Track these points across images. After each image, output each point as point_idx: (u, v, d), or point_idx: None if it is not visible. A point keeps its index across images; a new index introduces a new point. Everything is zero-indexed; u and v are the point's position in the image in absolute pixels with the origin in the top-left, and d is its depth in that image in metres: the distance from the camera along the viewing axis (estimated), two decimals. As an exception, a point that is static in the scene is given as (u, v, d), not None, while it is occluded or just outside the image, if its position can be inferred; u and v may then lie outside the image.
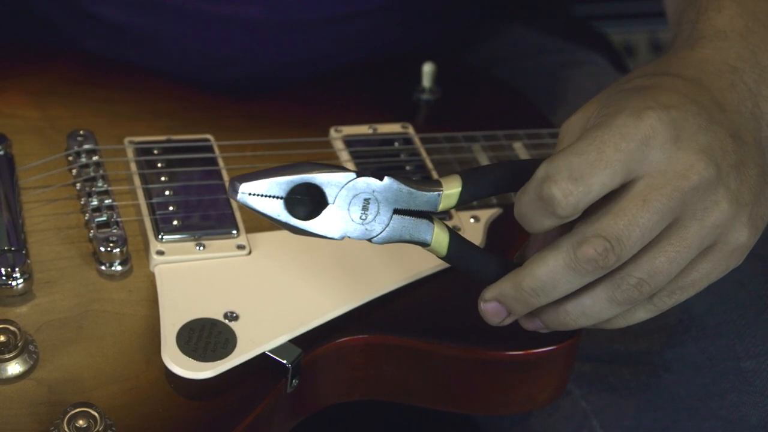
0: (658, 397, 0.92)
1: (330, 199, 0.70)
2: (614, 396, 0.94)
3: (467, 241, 0.74)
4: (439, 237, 0.72)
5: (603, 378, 0.95)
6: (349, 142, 0.94)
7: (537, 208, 0.68)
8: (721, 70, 0.75)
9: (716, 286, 0.92)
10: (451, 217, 0.89)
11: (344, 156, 0.93)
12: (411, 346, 0.82)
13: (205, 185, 0.88)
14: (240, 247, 0.84)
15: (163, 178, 0.88)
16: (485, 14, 1.23)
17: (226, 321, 0.79)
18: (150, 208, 0.85)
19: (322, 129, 0.96)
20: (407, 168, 0.93)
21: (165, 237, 0.83)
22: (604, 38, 1.38)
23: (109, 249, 0.82)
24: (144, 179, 0.88)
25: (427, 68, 1.01)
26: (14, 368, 0.75)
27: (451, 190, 0.72)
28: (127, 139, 0.91)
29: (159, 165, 0.89)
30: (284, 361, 0.78)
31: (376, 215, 0.71)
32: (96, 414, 0.72)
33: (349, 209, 0.70)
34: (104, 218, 0.84)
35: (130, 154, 0.90)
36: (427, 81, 1.01)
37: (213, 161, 0.90)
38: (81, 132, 0.90)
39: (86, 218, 0.85)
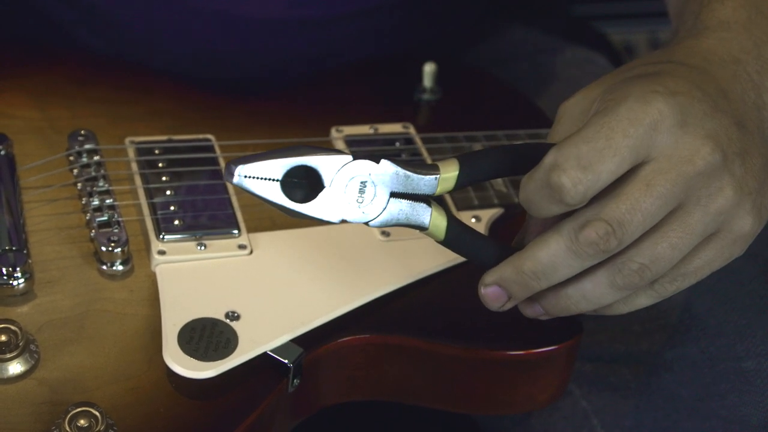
0: (658, 397, 0.92)
1: (326, 182, 0.70)
2: (615, 396, 0.94)
3: (465, 225, 0.73)
4: (437, 220, 0.72)
5: (603, 378, 0.95)
6: (350, 142, 0.94)
7: (545, 195, 0.68)
8: (724, 61, 0.75)
9: (717, 286, 0.92)
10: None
11: (345, 156, 0.93)
12: (412, 346, 0.82)
13: (206, 185, 0.88)
14: (241, 246, 0.84)
15: (164, 178, 0.88)
16: (485, 14, 1.23)
17: (228, 321, 0.79)
18: (151, 207, 0.85)
19: (323, 129, 0.96)
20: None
21: (166, 237, 0.83)
22: (604, 38, 1.38)
23: (110, 249, 0.82)
24: (145, 179, 0.88)
25: (428, 68, 1.01)
26: (15, 368, 0.75)
27: (449, 173, 0.71)
28: (128, 139, 0.91)
29: (160, 165, 0.89)
30: (285, 361, 0.78)
31: (373, 198, 0.71)
32: (97, 414, 0.72)
33: (345, 192, 0.70)
34: (105, 218, 0.84)
35: (131, 154, 0.90)
36: (428, 81, 1.01)
37: (214, 161, 0.90)
38: (82, 132, 0.90)
39: (87, 218, 0.85)
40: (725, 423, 0.90)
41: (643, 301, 0.73)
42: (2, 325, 0.76)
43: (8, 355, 0.75)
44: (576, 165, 0.67)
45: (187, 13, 1.02)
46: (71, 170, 0.88)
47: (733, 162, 0.70)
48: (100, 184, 0.86)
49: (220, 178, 0.89)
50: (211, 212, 0.86)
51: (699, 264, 0.71)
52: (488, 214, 0.90)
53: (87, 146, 0.89)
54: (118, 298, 0.81)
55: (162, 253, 0.82)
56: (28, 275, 0.79)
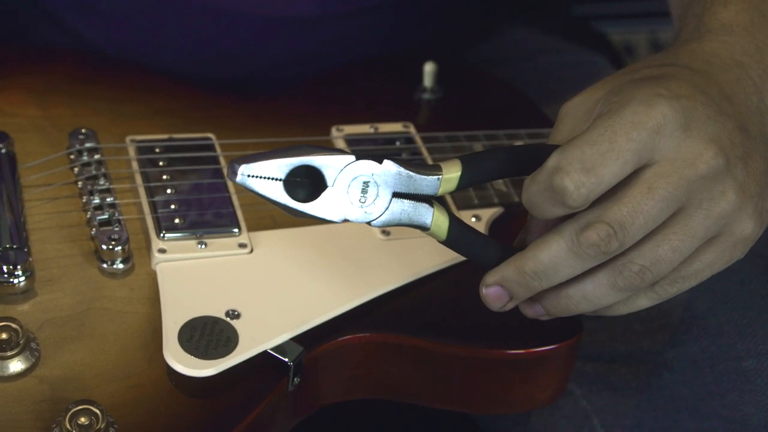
0: (659, 396, 0.92)
1: (329, 181, 0.70)
2: (615, 395, 0.94)
3: (467, 225, 0.73)
4: (439, 221, 0.72)
5: (604, 377, 0.95)
6: (351, 141, 0.94)
7: (547, 197, 0.68)
8: (727, 64, 0.75)
9: (718, 286, 0.92)
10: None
11: (345, 155, 0.93)
12: (412, 345, 0.82)
13: (206, 184, 0.88)
14: (242, 245, 0.84)
15: (164, 177, 0.88)
16: (486, 14, 1.23)
17: (228, 319, 0.79)
18: (152, 206, 0.85)
19: (323, 128, 0.96)
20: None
21: (167, 235, 0.83)
22: (604, 38, 1.38)
23: (110, 247, 0.82)
24: (146, 177, 0.88)
25: (429, 68, 1.01)
26: (16, 366, 0.75)
27: (451, 174, 0.71)
28: (128, 138, 0.91)
29: (161, 163, 0.89)
30: (286, 360, 0.78)
31: (376, 198, 0.71)
32: (98, 411, 0.72)
33: (348, 192, 0.70)
34: (106, 216, 0.84)
35: (131, 152, 0.90)
36: (428, 80, 1.01)
37: (215, 160, 0.90)
38: (83, 130, 0.90)
39: (88, 216, 0.85)
40: (726, 422, 0.90)
41: (644, 302, 0.73)
42: (3, 323, 0.76)
43: (9, 353, 0.75)
44: (579, 168, 0.67)
45: (187, 11, 1.02)
46: (72, 168, 0.88)
47: (736, 166, 0.70)
48: (101, 182, 0.86)
49: (220, 176, 0.89)
50: (211, 211, 0.86)
51: (700, 266, 0.72)
52: (488, 214, 0.90)
53: (88, 144, 0.89)
54: (119, 297, 0.81)
55: (162, 251, 0.82)
56: (29, 273, 0.79)
